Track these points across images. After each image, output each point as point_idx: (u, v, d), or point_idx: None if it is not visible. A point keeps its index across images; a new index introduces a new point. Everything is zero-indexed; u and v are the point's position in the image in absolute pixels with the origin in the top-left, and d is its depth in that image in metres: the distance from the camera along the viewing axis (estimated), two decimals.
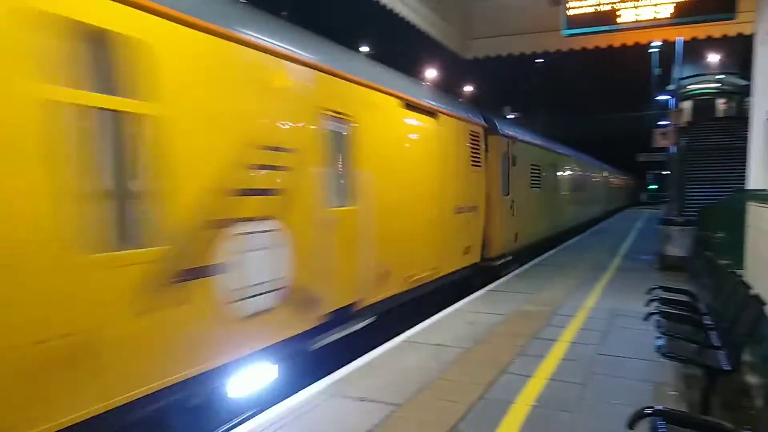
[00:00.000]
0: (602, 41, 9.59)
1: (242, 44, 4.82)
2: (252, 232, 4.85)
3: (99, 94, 3.67)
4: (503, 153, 12.04)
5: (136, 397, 3.80)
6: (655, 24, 7.68)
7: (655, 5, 7.56)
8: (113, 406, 3.66)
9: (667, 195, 18.65)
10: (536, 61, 48.86)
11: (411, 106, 7.98)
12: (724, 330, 4.99)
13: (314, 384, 5.33)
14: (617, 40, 9.56)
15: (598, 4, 7.83)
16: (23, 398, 3.20)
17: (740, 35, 9.01)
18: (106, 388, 3.64)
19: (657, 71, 44.55)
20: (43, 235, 3.30)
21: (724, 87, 43.38)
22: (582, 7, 7.90)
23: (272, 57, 5.22)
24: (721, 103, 44.42)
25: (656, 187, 60.11)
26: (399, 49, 35.91)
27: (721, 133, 31.61)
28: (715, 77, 43.04)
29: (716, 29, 9.05)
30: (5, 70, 3.17)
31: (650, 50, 39.94)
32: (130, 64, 3.84)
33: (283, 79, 5.38)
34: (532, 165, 14.93)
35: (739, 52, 35.76)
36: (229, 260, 4.56)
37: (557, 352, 6.31)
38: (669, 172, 18.70)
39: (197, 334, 4.32)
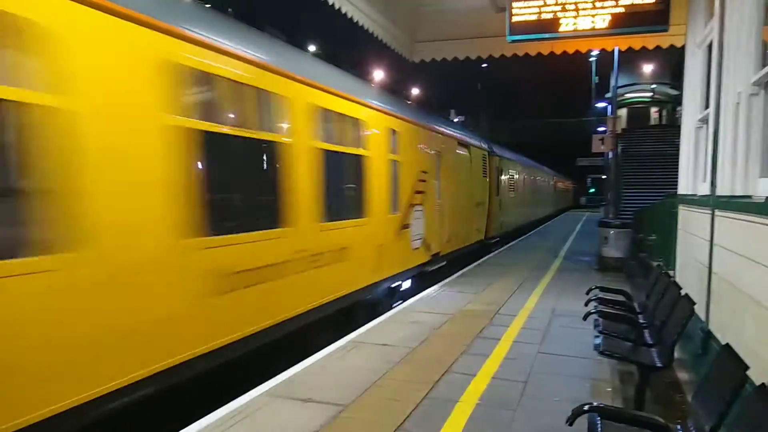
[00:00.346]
0: (544, 48, 9.88)
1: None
2: (417, 211, 10.42)
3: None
4: (496, 167, 18.09)
5: (374, 281, 8.50)
6: (593, 34, 7.98)
7: (593, 16, 7.84)
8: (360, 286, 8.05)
9: (604, 198, 19.45)
10: (482, 65, 49.89)
11: (460, 143, 13.98)
12: (656, 328, 5.22)
13: (259, 386, 5.26)
14: (558, 47, 9.87)
15: (541, 13, 8.06)
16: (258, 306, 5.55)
17: (672, 47, 9.45)
18: (358, 278, 8.01)
19: (596, 79, 46.13)
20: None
21: (657, 96, 45.39)
22: (525, 14, 8.12)
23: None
24: (654, 112, 46.40)
25: (595, 190, 62.31)
26: (345, 48, 35.95)
27: (655, 140, 33.04)
28: (650, 86, 44.95)
29: (650, 40, 9.47)
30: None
31: (590, 59, 41.37)
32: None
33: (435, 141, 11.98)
34: (510, 175, 21.30)
35: (672, 63, 37.48)
36: (411, 222, 10.11)
37: (500, 351, 6.44)
38: (606, 177, 19.43)
39: (403, 255, 9.75)
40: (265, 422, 4.48)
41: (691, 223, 6.86)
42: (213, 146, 4.96)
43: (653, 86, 44.70)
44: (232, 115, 5.42)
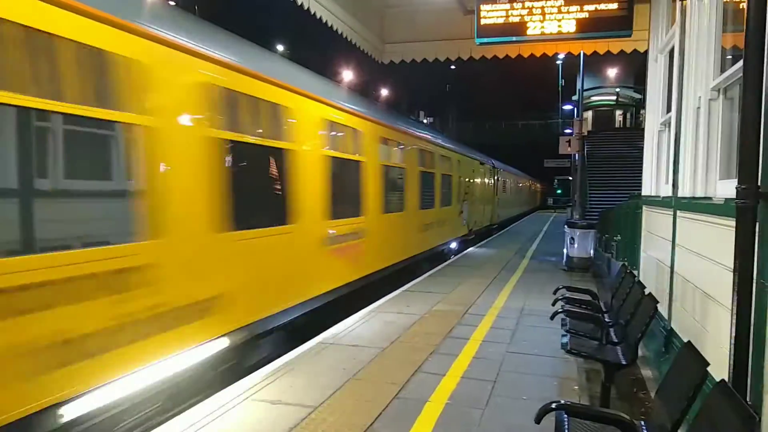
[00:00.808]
0: (512, 51, 10.03)
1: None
2: (464, 204, 18.13)
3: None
4: (496, 177, 26.39)
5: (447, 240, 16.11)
6: (560, 38, 8.14)
7: (560, 20, 7.99)
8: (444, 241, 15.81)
9: (571, 199, 19.86)
10: (451, 67, 50.28)
11: (480, 163, 21.59)
12: (621, 327, 5.34)
13: (228, 387, 5.21)
14: (526, 50, 10.03)
15: (508, 16, 8.18)
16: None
17: (636, 52, 9.69)
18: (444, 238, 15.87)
19: (562, 82, 46.89)
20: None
21: (621, 99, 46.37)
22: (493, 17, 8.22)
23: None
24: (619, 114, 47.36)
25: (561, 191, 63.32)
26: (315, 48, 35.81)
27: (619, 143, 33.75)
28: (614, 90, 45.87)
29: (615, 45, 9.70)
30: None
31: (557, 62, 42.03)
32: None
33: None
34: (503, 182, 29.93)
35: (636, 68, 38.32)
36: (462, 210, 17.92)
37: (470, 350, 6.50)
38: (573, 178, 19.78)
39: (459, 228, 17.76)
40: (234, 424, 4.44)
41: (654, 224, 7.03)
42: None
43: (618, 90, 45.69)
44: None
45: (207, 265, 5.19)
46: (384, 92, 53.31)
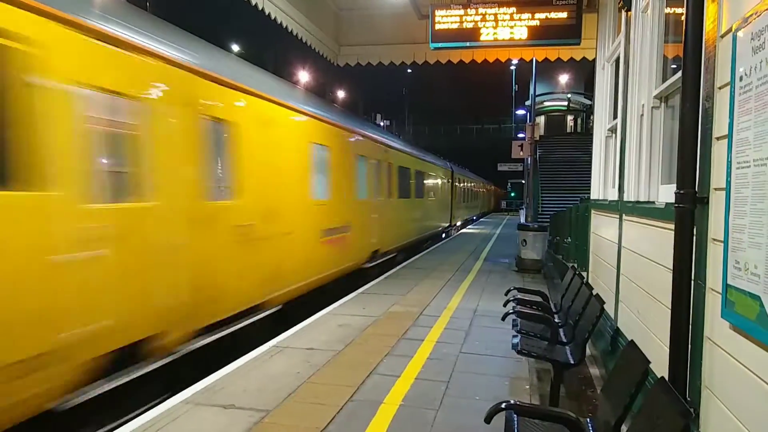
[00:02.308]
0: (466, 56, 10.19)
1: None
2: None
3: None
4: (452, 181, 28.44)
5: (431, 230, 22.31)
6: (512, 44, 8.33)
7: (512, 27, 8.18)
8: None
9: (524, 202, 20.27)
10: (407, 71, 50.57)
11: (455, 173, 29.38)
12: (570, 327, 5.48)
13: (178, 393, 5.11)
14: (479, 56, 10.21)
15: (462, 22, 8.31)
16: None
17: (585, 59, 9.98)
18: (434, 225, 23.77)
19: (515, 87, 47.76)
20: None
21: (572, 105, 47.61)
22: (447, 23, 8.34)
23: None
24: (570, 120, 48.59)
25: (515, 195, 64.53)
26: (269, 49, 35.51)
27: (570, 147, 34.62)
28: (566, 96, 47.06)
29: (565, 53, 9.97)
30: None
31: (511, 67, 42.81)
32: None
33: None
34: (460, 184, 32.60)
35: (586, 75, 39.41)
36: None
37: (424, 351, 6.55)
38: (525, 182, 20.17)
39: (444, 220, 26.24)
40: (184, 431, 4.35)
41: (601, 227, 7.24)
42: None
43: (569, 95, 46.92)
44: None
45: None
46: (340, 94, 53.23)
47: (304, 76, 42.87)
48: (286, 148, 8.18)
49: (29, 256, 3.99)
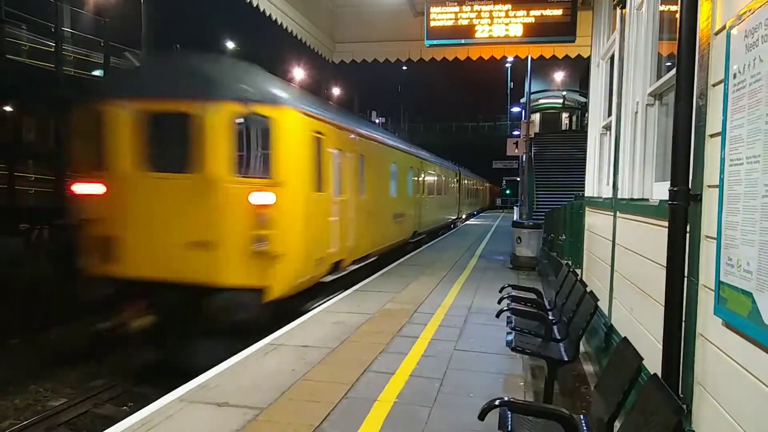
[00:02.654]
0: (461, 53, 10.18)
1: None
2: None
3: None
4: (458, 180, 32.18)
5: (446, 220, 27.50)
6: (507, 41, 8.33)
7: (507, 24, 8.18)
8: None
9: (518, 200, 20.31)
10: (403, 68, 50.53)
11: (451, 170, 29.96)
12: (564, 324, 5.49)
13: (172, 391, 5.10)
14: (474, 53, 10.20)
15: (457, 19, 8.30)
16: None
17: (580, 57, 9.99)
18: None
19: (511, 84, 47.79)
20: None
21: (567, 102, 47.66)
22: (443, 20, 8.33)
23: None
24: (565, 117, 48.64)
25: (510, 192, 64.64)
26: (265, 46, 35.44)
27: (565, 145, 34.72)
28: (561, 93, 47.10)
29: (560, 50, 9.98)
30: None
31: (506, 65, 42.82)
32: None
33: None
34: (465, 182, 36.56)
35: (581, 72, 39.50)
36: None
37: (418, 349, 6.56)
38: (520, 179, 20.22)
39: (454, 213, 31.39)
40: (177, 429, 4.35)
41: (596, 224, 7.26)
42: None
43: (564, 93, 46.95)
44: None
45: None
46: (336, 92, 53.13)
47: (299, 73, 42.78)
48: (383, 168, 13.98)
49: (323, 218, 8.99)
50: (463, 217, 36.39)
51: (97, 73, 21.12)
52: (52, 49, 18.41)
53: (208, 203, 7.21)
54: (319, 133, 8.59)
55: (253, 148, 7.39)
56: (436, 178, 23.59)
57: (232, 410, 4.69)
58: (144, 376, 7.81)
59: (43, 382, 9.10)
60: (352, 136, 10.80)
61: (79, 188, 7.90)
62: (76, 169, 8.84)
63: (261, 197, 7.28)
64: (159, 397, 5.03)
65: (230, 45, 38.19)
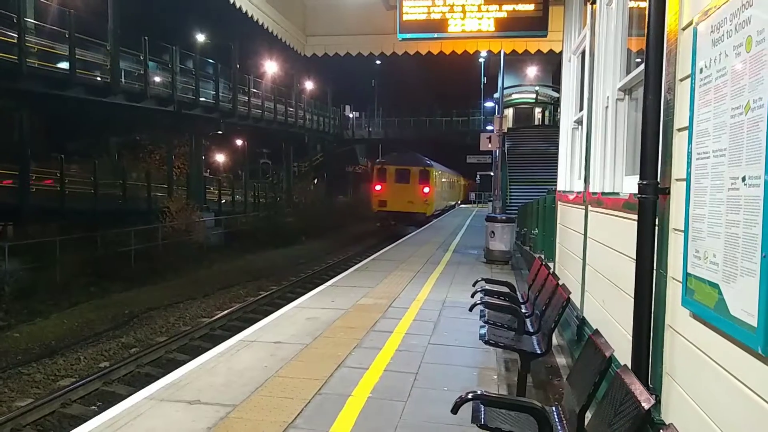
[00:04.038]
0: (434, 47, 10.18)
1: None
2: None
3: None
4: (431, 175, 33.80)
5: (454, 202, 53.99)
6: (479, 35, 8.34)
7: (479, 18, 8.18)
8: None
9: (492, 194, 20.47)
10: (376, 62, 50.43)
11: (454, 175, 52.55)
12: (537, 317, 5.54)
13: (142, 390, 5.01)
14: (448, 47, 10.21)
15: (430, 13, 8.28)
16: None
17: (552, 52, 10.06)
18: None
19: (484, 79, 48.06)
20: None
21: (540, 97, 48.14)
22: (415, 13, 8.30)
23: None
24: (538, 112, 49.14)
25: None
26: (235, 38, 34.99)
27: (538, 140, 35.11)
28: (534, 88, 47.52)
29: (532, 45, 10.04)
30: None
31: (480, 59, 43.03)
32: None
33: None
34: (440, 178, 39.77)
35: (553, 67, 39.91)
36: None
37: (393, 343, 6.56)
38: (494, 174, 20.35)
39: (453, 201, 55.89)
40: (147, 427, 4.27)
41: (568, 218, 7.33)
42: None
43: (537, 88, 47.43)
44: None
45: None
46: (309, 85, 52.79)
47: (271, 66, 42.38)
48: (445, 182, 42.91)
49: (436, 196, 36.50)
50: (459, 202, 55.31)
51: (62, 65, 20.63)
52: (15, 41, 17.92)
53: (413, 191, 31.88)
54: (435, 172, 33.76)
55: (426, 180, 32.90)
56: (454, 182, 51.16)
57: (203, 408, 4.63)
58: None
59: (6, 382, 8.90)
60: (438, 171, 35.80)
61: (376, 187, 32.24)
62: (374, 183, 33.31)
63: (426, 190, 32.50)
64: (128, 396, 4.95)
65: (200, 38, 37.56)
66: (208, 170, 42.24)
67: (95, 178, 25.33)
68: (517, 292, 7.13)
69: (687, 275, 2.56)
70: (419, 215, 31.15)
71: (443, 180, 41.63)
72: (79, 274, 16.62)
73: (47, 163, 25.61)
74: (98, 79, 22.01)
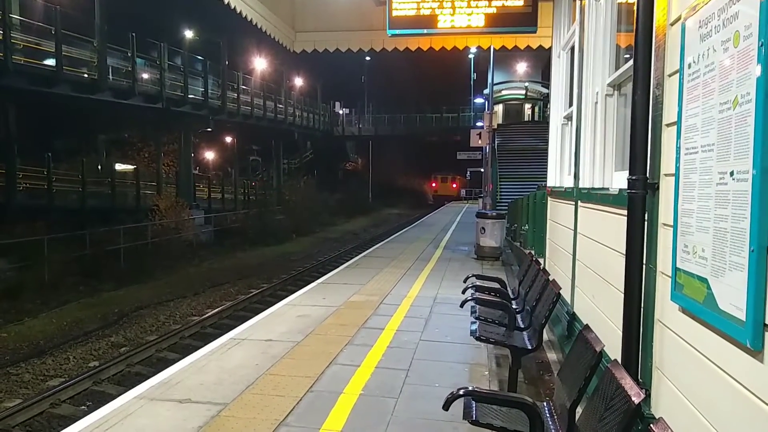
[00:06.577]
0: (424, 43, 10.16)
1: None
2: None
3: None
4: (456, 179, 61.84)
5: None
6: (469, 31, 8.33)
7: (469, 14, 8.17)
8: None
9: (482, 190, 20.50)
10: (366, 58, 50.34)
11: (458, 178, 66.35)
12: (528, 313, 5.55)
13: (132, 389, 4.98)
14: (437, 43, 10.19)
15: (420, 8, 8.26)
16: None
17: (541, 48, 10.08)
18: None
19: (474, 75, 48.07)
20: None
21: (530, 93, 48.23)
22: (405, 9, 8.28)
23: None
24: (527, 108, 49.27)
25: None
26: (223, 34, 34.77)
27: (528, 136, 35.21)
28: (523, 84, 47.60)
29: (521, 41, 10.05)
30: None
31: (470, 55, 43.02)
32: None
33: None
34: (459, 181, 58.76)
35: (543, 63, 40.00)
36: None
37: (384, 340, 6.56)
38: (484, 170, 20.38)
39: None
40: (138, 427, 4.24)
41: (558, 214, 7.35)
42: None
43: (527, 84, 47.53)
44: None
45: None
46: (298, 82, 52.58)
47: (260, 63, 42.16)
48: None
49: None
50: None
51: (49, 62, 20.42)
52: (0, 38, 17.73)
53: (450, 186, 61.21)
54: (457, 177, 62.23)
55: (455, 181, 62.21)
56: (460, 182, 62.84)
57: (194, 406, 4.61)
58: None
59: None
60: (458, 177, 61.17)
61: (433, 185, 62.14)
62: (432, 182, 62.68)
63: (455, 185, 61.87)
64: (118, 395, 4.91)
65: (189, 34, 37.29)
66: (198, 168, 41.83)
67: (83, 176, 25.13)
68: (508, 288, 7.14)
69: (676, 270, 2.57)
70: (452, 197, 56.07)
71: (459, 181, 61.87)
72: (68, 272, 16.51)
73: (34, 161, 25.38)
74: (85, 76, 21.80)
